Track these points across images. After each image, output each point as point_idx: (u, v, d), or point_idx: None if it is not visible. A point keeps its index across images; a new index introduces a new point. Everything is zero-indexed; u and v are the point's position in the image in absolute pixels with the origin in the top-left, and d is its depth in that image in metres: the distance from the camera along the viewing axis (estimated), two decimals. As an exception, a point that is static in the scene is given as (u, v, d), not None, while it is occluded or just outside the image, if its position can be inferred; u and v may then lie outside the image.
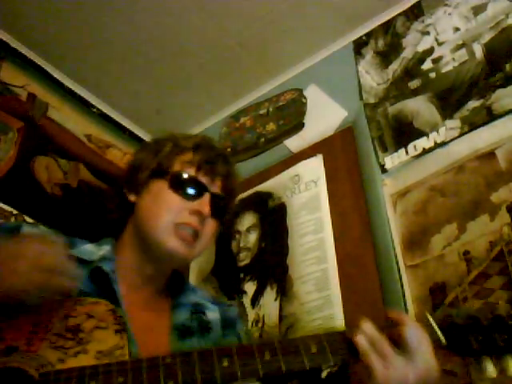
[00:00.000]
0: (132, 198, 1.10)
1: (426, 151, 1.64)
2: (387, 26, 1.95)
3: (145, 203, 1.08)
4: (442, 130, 1.63)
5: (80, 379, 0.75)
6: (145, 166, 1.11)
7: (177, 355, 0.79)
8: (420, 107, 1.72)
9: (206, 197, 1.06)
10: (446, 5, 1.82)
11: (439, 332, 0.84)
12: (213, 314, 1.13)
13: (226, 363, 0.77)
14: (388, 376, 0.80)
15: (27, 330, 0.81)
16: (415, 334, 0.83)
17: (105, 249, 1.06)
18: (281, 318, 1.67)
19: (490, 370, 0.82)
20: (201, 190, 1.07)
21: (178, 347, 1.01)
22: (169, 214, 1.04)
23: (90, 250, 1.05)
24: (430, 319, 0.86)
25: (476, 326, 0.83)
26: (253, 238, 1.91)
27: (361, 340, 0.83)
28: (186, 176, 1.07)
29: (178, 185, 1.06)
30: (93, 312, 0.85)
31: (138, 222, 1.08)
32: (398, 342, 0.83)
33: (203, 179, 1.08)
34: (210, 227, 1.08)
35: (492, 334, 0.80)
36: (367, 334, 0.84)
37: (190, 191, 1.06)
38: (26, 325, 0.82)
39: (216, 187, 1.10)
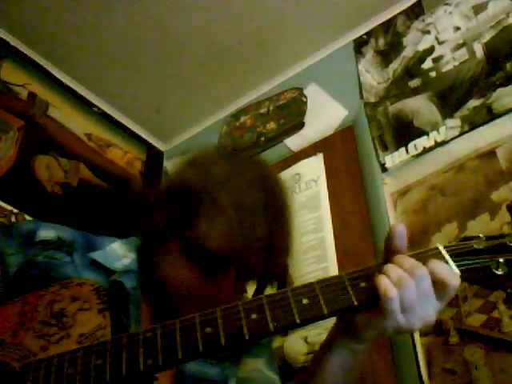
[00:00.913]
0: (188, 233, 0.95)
1: (426, 150, 1.64)
2: (388, 25, 1.95)
3: (160, 264, 0.95)
4: (443, 129, 1.63)
5: (59, 366, 0.71)
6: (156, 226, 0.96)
7: (157, 328, 0.72)
8: (420, 106, 1.72)
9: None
10: (446, 4, 1.82)
11: (454, 266, 0.71)
12: None
13: (209, 330, 0.70)
14: (409, 325, 0.70)
15: (13, 322, 0.79)
16: (452, 275, 0.70)
17: (130, 257, 0.97)
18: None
19: None
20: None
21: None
22: (183, 287, 0.92)
23: (116, 251, 0.97)
24: (443, 251, 0.73)
25: (502, 247, 0.72)
26: (253, 236, 1.91)
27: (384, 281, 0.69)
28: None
29: (191, 253, 0.94)
30: (77, 294, 0.82)
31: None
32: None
33: None
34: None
35: None
36: (404, 265, 0.70)
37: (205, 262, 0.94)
38: (13, 316, 0.80)
39: None
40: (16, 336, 0.78)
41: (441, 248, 0.74)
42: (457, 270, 0.72)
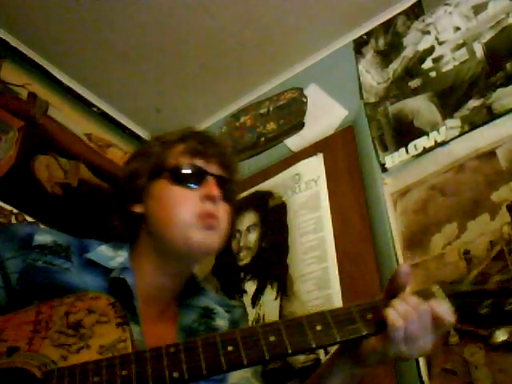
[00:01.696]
0: (138, 209, 1.06)
1: (426, 150, 1.64)
2: (388, 25, 1.95)
3: (153, 209, 1.04)
4: (443, 129, 1.63)
5: (83, 375, 0.73)
6: (140, 173, 1.08)
7: (180, 344, 0.77)
8: (420, 106, 1.72)
9: (211, 180, 1.04)
10: (446, 4, 1.82)
11: (449, 305, 0.82)
12: (221, 321, 1.10)
13: (230, 348, 0.75)
14: (408, 353, 0.79)
15: (28, 330, 0.80)
16: (448, 313, 0.80)
17: (123, 255, 1.01)
18: (281, 317, 1.67)
19: (500, 337, 0.83)
20: (202, 175, 1.04)
21: None
22: (182, 208, 1.00)
23: (106, 253, 1.01)
24: (440, 291, 0.84)
25: (482, 292, 0.82)
26: (253, 237, 1.91)
27: (393, 315, 0.79)
28: (183, 166, 1.05)
29: (179, 177, 1.04)
30: (93, 307, 0.83)
31: (152, 230, 1.04)
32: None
33: (201, 164, 1.06)
34: (225, 211, 1.05)
35: (499, 299, 0.79)
36: (407, 304, 0.81)
37: (193, 179, 1.04)
38: (27, 324, 0.81)
39: (215, 169, 1.07)
40: (32, 344, 0.78)
41: (436, 288, 0.86)
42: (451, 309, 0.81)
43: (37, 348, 0.78)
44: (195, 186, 1.03)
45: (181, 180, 1.04)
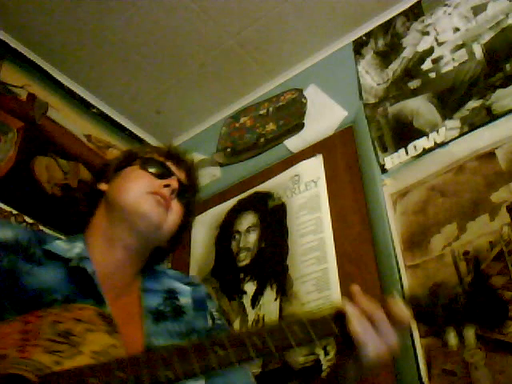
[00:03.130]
0: (102, 186, 1.14)
1: (425, 151, 1.64)
2: (387, 26, 1.95)
3: (115, 185, 1.12)
4: (442, 130, 1.63)
5: (80, 377, 0.75)
6: (114, 161, 1.18)
7: (171, 348, 0.81)
8: (420, 107, 1.72)
9: (174, 178, 1.13)
10: (445, 5, 1.82)
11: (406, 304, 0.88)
12: (185, 299, 1.14)
13: (220, 352, 0.80)
14: (380, 348, 0.84)
15: (17, 338, 0.81)
16: (404, 310, 0.86)
17: (79, 246, 1.05)
18: (281, 318, 1.67)
19: (452, 340, 0.86)
20: (169, 173, 1.13)
21: (152, 330, 1.02)
22: (141, 184, 1.09)
23: (62, 246, 1.04)
24: (396, 295, 0.90)
25: (437, 295, 0.88)
26: (253, 238, 1.91)
27: (349, 308, 0.86)
28: (155, 159, 1.15)
29: (148, 165, 1.13)
30: (80, 316, 0.85)
31: (108, 201, 1.10)
32: (389, 317, 0.86)
33: (171, 166, 1.15)
34: (176, 206, 1.12)
35: (453, 303, 0.86)
36: (360, 303, 0.86)
37: (159, 171, 1.13)
38: (14, 333, 0.82)
39: (182, 176, 1.17)
40: (23, 351, 0.79)
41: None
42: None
43: (28, 355, 0.79)
44: (158, 178, 1.12)
45: (148, 167, 1.13)
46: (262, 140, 2.14)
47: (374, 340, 0.84)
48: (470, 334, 0.88)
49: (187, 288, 1.17)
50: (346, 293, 1.53)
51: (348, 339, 0.84)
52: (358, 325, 0.83)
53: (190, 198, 1.19)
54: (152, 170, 1.12)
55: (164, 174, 1.13)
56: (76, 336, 0.82)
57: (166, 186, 1.10)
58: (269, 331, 0.83)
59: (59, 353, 0.80)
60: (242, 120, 2.27)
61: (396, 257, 1.53)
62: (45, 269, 0.97)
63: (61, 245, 1.04)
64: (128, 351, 0.84)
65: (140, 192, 1.07)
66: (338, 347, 0.93)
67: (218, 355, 0.79)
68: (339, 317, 0.85)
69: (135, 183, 1.09)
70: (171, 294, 1.13)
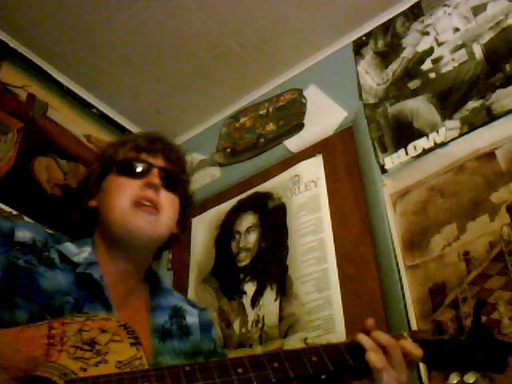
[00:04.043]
0: (92, 203, 1.13)
1: (425, 151, 1.64)
2: (387, 27, 1.95)
3: (102, 200, 1.11)
4: (442, 130, 1.63)
5: None
6: (94, 172, 1.15)
7: (194, 364, 0.83)
8: (420, 107, 1.72)
9: (154, 171, 1.10)
10: (445, 5, 1.82)
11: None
12: (192, 319, 1.14)
13: (240, 370, 0.82)
14: (392, 380, 0.86)
15: (43, 343, 0.82)
16: (418, 350, 0.90)
17: (87, 251, 1.05)
18: (281, 318, 1.67)
19: (454, 380, 0.94)
20: (146, 167, 1.11)
21: (159, 348, 1.02)
22: (123, 196, 1.07)
23: (72, 249, 1.04)
24: (408, 336, 0.94)
25: (441, 341, 0.94)
26: (252, 238, 1.91)
27: (365, 339, 0.88)
28: (128, 159, 1.12)
29: (124, 169, 1.11)
30: (105, 327, 0.87)
31: (101, 220, 1.10)
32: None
33: (146, 157, 1.13)
34: (167, 199, 1.10)
35: (456, 350, 0.92)
36: (380, 339, 0.89)
37: (136, 170, 1.10)
38: (40, 338, 0.83)
39: (159, 162, 1.13)
40: (49, 355, 0.81)
41: (405, 334, 0.95)
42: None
43: (54, 359, 0.81)
44: (138, 177, 1.10)
45: (125, 172, 1.11)
46: (262, 140, 2.14)
47: (388, 372, 0.86)
48: (472, 378, 0.93)
49: (194, 309, 1.17)
50: (345, 293, 1.54)
51: (361, 368, 0.87)
52: (375, 355, 0.86)
53: (180, 181, 1.16)
54: (129, 173, 1.10)
55: (142, 170, 1.10)
56: (101, 345, 0.84)
57: (148, 185, 1.08)
58: (287, 356, 0.86)
59: (85, 359, 0.82)
60: (242, 120, 2.27)
61: (396, 257, 1.53)
62: (57, 272, 0.99)
63: (70, 247, 1.05)
64: None
65: (124, 206, 1.05)
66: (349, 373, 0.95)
67: (238, 373, 0.82)
68: (353, 347, 0.88)
69: (117, 197, 1.07)
70: (178, 312, 1.13)
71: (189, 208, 1.21)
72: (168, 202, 1.10)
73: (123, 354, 0.84)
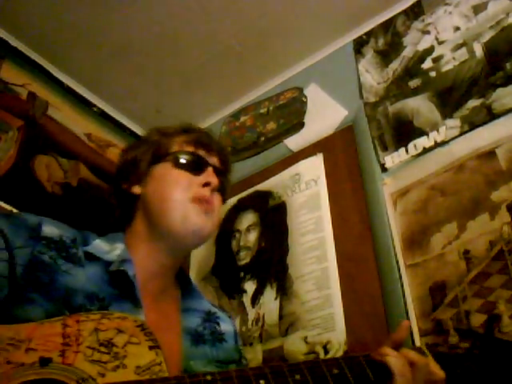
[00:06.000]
0: (136, 190, 1.09)
1: (426, 150, 1.64)
2: (387, 25, 1.95)
3: (152, 189, 1.07)
4: (443, 129, 1.63)
5: None
6: (142, 158, 1.11)
7: (216, 374, 0.79)
8: (420, 106, 1.72)
9: (210, 170, 1.08)
10: (446, 4, 1.82)
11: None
12: (226, 326, 1.12)
13: (263, 382, 0.79)
14: None
15: (58, 342, 0.79)
16: (439, 370, 0.90)
17: (119, 247, 1.02)
18: (281, 316, 1.67)
19: None
20: (203, 164, 1.09)
21: (190, 352, 0.99)
22: (181, 190, 1.04)
23: (103, 247, 1.01)
24: (426, 352, 0.95)
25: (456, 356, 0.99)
26: (253, 236, 1.91)
27: (397, 362, 0.88)
28: (187, 152, 1.09)
29: (182, 162, 1.08)
30: (122, 327, 0.83)
31: (149, 209, 1.06)
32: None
33: (202, 154, 1.10)
34: (218, 201, 1.09)
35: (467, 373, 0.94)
36: (409, 357, 0.89)
37: (194, 166, 1.08)
38: (55, 336, 0.79)
39: (215, 161, 1.12)
40: (65, 357, 0.77)
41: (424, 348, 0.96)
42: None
43: (71, 361, 0.77)
44: (195, 173, 1.07)
45: (182, 165, 1.07)
46: (263, 139, 2.14)
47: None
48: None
49: (227, 317, 1.15)
50: (345, 292, 1.54)
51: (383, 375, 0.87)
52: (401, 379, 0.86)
53: (227, 184, 1.15)
54: (187, 166, 1.07)
55: (199, 166, 1.08)
56: (118, 347, 0.80)
57: (206, 184, 1.05)
58: (308, 369, 0.84)
59: (102, 363, 0.78)
60: (242, 119, 2.27)
61: (396, 256, 1.53)
62: (84, 269, 0.96)
63: (101, 245, 1.02)
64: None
65: (183, 201, 1.02)
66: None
67: None
68: (375, 364, 0.88)
69: (175, 189, 1.04)
70: (211, 317, 1.10)
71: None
72: (219, 203, 1.09)
73: (142, 359, 0.79)
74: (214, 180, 1.06)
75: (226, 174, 1.15)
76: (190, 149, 1.10)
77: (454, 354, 0.96)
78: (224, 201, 1.15)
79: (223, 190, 1.12)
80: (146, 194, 1.07)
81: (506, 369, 0.91)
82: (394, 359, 0.87)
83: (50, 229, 0.97)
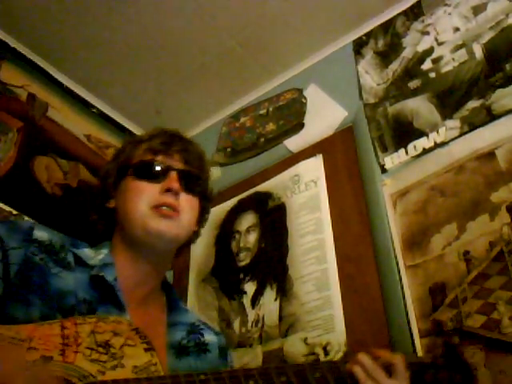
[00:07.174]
0: (111, 204, 1.13)
1: (425, 151, 1.64)
2: (387, 26, 1.95)
3: (121, 203, 1.11)
4: (442, 129, 1.63)
5: None
6: (111, 172, 1.15)
7: (209, 373, 0.83)
8: (420, 107, 1.72)
9: (172, 174, 1.09)
10: (445, 5, 1.82)
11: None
12: (209, 337, 1.14)
13: (252, 382, 0.84)
14: None
15: (58, 342, 0.82)
16: (402, 362, 0.95)
17: (103, 252, 1.06)
18: (281, 318, 1.67)
19: None
20: (164, 170, 1.10)
21: (175, 365, 1.02)
22: (142, 200, 1.06)
23: (89, 254, 1.05)
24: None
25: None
26: (252, 238, 1.91)
27: (357, 370, 0.93)
28: (144, 163, 1.11)
29: (141, 172, 1.10)
30: (118, 330, 0.86)
31: (120, 222, 1.10)
32: (389, 369, 0.94)
33: (163, 160, 1.11)
34: (187, 201, 1.10)
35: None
36: (364, 364, 0.93)
37: (154, 173, 1.09)
38: (54, 336, 0.83)
39: (177, 164, 1.12)
40: (65, 356, 0.81)
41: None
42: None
43: (71, 360, 0.80)
44: (157, 181, 1.09)
45: (143, 175, 1.10)
46: (262, 140, 2.14)
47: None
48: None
49: (210, 330, 1.17)
50: (345, 293, 1.54)
51: None
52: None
53: (200, 182, 1.15)
54: (147, 176, 1.09)
55: (161, 174, 1.09)
56: (115, 348, 0.84)
57: (168, 189, 1.07)
58: (295, 373, 0.89)
59: (101, 362, 0.81)
60: (242, 120, 2.27)
61: (396, 257, 1.53)
62: (72, 273, 0.99)
63: (88, 252, 1.06)
64: None
65: (144, 210, 1.05)
66: None
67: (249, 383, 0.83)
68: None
69: (135, 201, 1.07)
70: (195, 329, 1.13)
71: (209, 203, 1.21)
72: (188, 204, 1.10)
73: (138, 359, 0.83)
74: (175, 185, 1.07)
75: (194, 172, 1.14)
76: (150, 157, 1.12)
77: (418, 362, 1.01)
78: (206, 196, 1.17)
79: (194, 189, 1.12)
80: (117, 207, 1.12)
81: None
82: (357, 367, 0.93)
83: (41, 233, 1.01)
